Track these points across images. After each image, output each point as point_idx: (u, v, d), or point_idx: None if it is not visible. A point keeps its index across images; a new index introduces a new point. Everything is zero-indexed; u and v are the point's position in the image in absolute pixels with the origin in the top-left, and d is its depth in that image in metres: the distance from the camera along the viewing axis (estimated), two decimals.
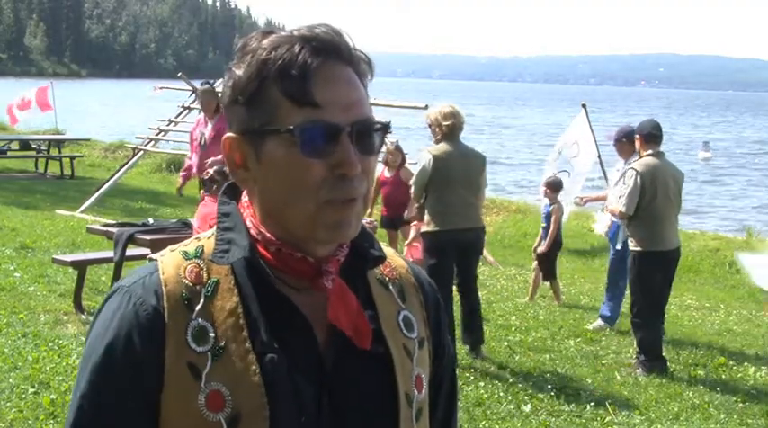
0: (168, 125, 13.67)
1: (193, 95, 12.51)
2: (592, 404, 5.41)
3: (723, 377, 6.23)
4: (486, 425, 4.96)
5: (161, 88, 15.84)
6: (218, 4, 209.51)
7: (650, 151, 6.34)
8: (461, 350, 6.17)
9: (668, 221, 6.34)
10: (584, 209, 14.67)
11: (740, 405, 5.55)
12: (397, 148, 8.92)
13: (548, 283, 8.52)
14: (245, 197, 1.20)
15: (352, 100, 1.11)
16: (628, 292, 6.71)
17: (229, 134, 1.15)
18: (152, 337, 1.10)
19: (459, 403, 4.22)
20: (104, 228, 7.46)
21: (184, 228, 6.99)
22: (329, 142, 1.09)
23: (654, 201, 6.21)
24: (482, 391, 5.49)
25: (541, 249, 8.28)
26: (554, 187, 8.44)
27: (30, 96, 18.80)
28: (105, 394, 1.11)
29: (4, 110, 19.54)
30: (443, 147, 6.07)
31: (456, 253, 6.12)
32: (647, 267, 6.25)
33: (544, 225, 8.42)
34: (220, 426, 1.09)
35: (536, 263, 8.45)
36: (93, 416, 1.12)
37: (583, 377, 5.97)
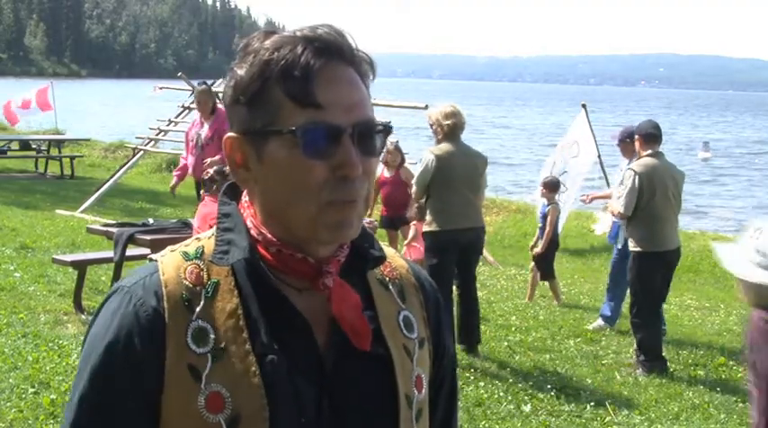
0: (168, 125, 13.67)
1: (193, 95, 12.51)
2: (592, 404, 5.41)
3: (723, 377, 6.23)
4: (486, 425, 4.96)
5: (161, 88, 15.84)
6: (218, 4, 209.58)
7: (649, 151, 6.34)
8: (459, 349, 6.17)
9: (668, 221, 6.34)
10: (585, 208, 14.68)
11: (740, 405, 5.55)
12: (397, 148, 8.92)
13: (547, 283, 8.52)
14: (245, 197, 1.20)
15: (354, 101, 1.11)
16: (628, 292, 6.71)
17: (231, 134, 1.15)
18: (152, 338, 1.10)
19: (459, 403, 4.22)
20: (104, 228, 7.46)
21: (184, 228, 6.99)
22: (331, 143, 1.08)
23: (652, 202, 6.21)
24: (482, 391, 5.49)
25: (537, 250, 8.29)
26: (551, 187, 8.44)
27: (30, 96, 18.80)
28: (105, 394, 1.11)
29: (4, 111, 19.51)
30: (445, 146, 6.08)
31: (456, 252, 6.13)
32: (646, 267, 6.25)
33: (541, 225, 8.43)
34: (220, 427, 1.09)
35: (533, 263, 8.46)
36: (93, 416, 1.12)
37: (583, 377, 5.97)
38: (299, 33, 1.11)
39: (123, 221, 7.94)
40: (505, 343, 6.68)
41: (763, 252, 2.83)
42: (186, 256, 1.17)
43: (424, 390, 1.25)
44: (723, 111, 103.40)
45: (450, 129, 6.11)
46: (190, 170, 8.92)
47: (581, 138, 10.88)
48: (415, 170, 9.14)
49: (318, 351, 1.15)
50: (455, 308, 6.31)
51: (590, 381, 5.89)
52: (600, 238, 12.20)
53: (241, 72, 1.12)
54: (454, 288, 6.32)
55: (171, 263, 1.16)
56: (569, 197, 10.75)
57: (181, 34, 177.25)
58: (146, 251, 6.59)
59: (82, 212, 11.86)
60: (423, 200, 6.39)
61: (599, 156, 11.12)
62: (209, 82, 10.55)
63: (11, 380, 5.03)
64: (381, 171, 8.97)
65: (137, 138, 16.17)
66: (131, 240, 6.79)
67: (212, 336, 1.11)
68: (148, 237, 6.74)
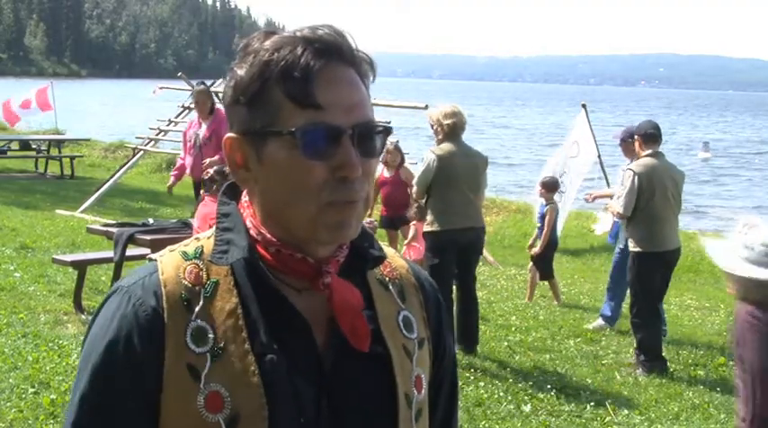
0: (168, 125, 13.66)
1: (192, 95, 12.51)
2: (592, 404, 5.41)
3: (723, 377, 6.22)
4: (486, 425, 4.96)
5: (161, 88, 15.83)
6: (218, 4, 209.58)
7: (649, 151, 6.34)
8: (458, 349, 6.17)
9: (667, 221, 6.33)
10: (585, 208, 14.67)
11: None
12: (396, 148, 8.92)
13: (547, 283, 8.52)
14: (245, 197, 1.20)
15: (354, 102, 1.11)
16: (628, 293, 6.71)
17: (230, 134, 1.15)
18: (151, 338, 1.10)
19: (460, 403, 4.23)
20: (104, 228, 7.46)
21: (184, 228, 6.99)
22: (331, 144, 1.08)
23: (651, 202, 6.21)
24: (482, 391, 5.49)
25: (535, 250, 8.29)
26: (549, 187, 8.44)
27: (30, 96, 18.79)
28: (105, 394, 1.11)
29: (3, 112, 19.50)
30: (447, 146, 6.10)
31: (457, 252, 6.14)
32: (646, 268, 6.25)
33: (539, 225, 8.43)
34: (219, 427, 1.09)
35: (531, 263, 8.47)
36: (93, 417, 1.12)
37: (583, 377, 5.97)
38: (299, 34, 1.11)
39: (123, 221, 7.94)
40: (505, 343, 6.68)
41: (751, 247, 2.89)
42: (185, 256, 1.17)
43: (423, 390, 1.25)
44: (723, 111, 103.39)
45: (451, 128, 6.12)
46: (188, 170, 8.92)
47: (581, 138, 10.88)
48: (415, 170, 9.16)
49: (317, 351, 1.15)
50: (454, 308, 6.31)
51: (590, 381, 5.89)
52: (600, 238, 12.19)
53: (241, 72, 1.12)
54: (454, 288, 6.32)
55: (170, 263, 1.16)
56: (568, 197, 10.76)
57: (181, 34, 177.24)
58: (146, 251, 6.59)
59: (82, 212, 11.86)
60: (423, 200, 6.40)
61: (599, 156, 11.13)
62: (209, 82, 10.55)
63: (11, 380, 5.03)
64: (381, 171, 8.97)
65: (137, 138, 16.17)
66: (131, 240, 6.79)
67: (211, 336, 1.11)
68: (148, 237, 6.74)
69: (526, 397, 5.45)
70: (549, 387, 5.66)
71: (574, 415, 5.23)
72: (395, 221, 8.80)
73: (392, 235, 8.99)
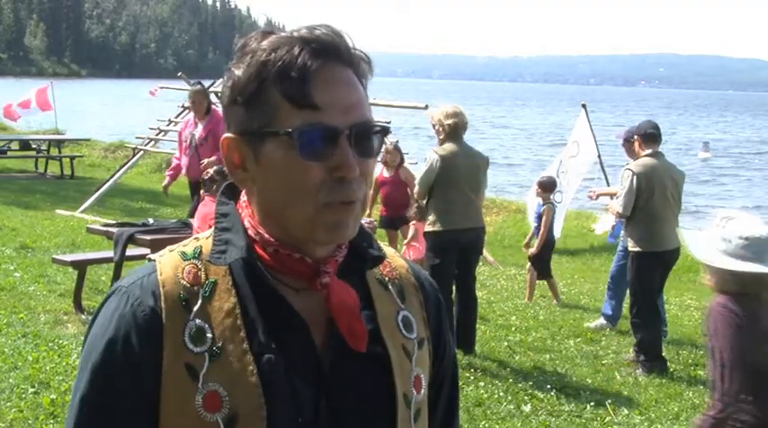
0: (168, 125, 13.67)
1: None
2: (592, 404, 5.41)
3: None
4: (486, 425, 4.96)
5: (160, 88, 15.84)
6: (218, 4, 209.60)
7: (649, 151, 6.34)
8: (457, 349, 6.18)
9: (666, 221, 6.33)
10: (585, 208, 14.66)
11: None
12: (396, 148, 8.92)
13: (546, 283, 8.53)
14: (243, 197, 1.20)
15: (352, 102, 1.11)
16: (628, 292, 6.71)
17: (228, 134, 1.15)
18: (150, 338, 1.11)
19: (460, 403, 4.22)
20: (104, 228, 7.46)
21: (184, 228, 6.99)
22: (328, 145, 1.08)
23: (651, 201, 6.21)
24: (482, 391, 5.49)
25: (532, 251, 8.31)
26: (545, 187, 8.43)
27: (30, 96, 18.80)
28: (105, 394, 1.11)
29: (3, 111, 19.51)
30: (449, 147, 6.11)
31: (457, 252, 6.15)
32: (646, 267, 6.25)
33: (536, 224, 8.44)
34: (218, 427, 1.09)
35: (529, 264, 8.48)
36: (93, 416, 1.12)
37: (583, 377, 5.97)
38: (296, 34, 1.11)
39: (123, 221, 7.93)
40: (505, 343, 6.68)
41: (728, 239, 2.98)
42: (184, 256, 1.17)
43: (422, 390, 1.24)
44: (723, 111, 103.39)
45: (452, 128, 6.13)
46: (183, 170, 8.91)
47: (581, 137, 10.89)
48: (415, 170, 9.16)
49: (316, 351, 1.15)
50: (454, 309, 6.31)
51: (590, 381, 5.89)
52: (600, 238, 12.19)
53: (238, 72, 1.12)
54: (453, 288, 6.33)
55: (169, 263, 1.16)
56: (567, 197, 10.76)
57: (181, 34, 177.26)
58: (146, 251, 6.59)
59: (82, 212, 11.86)
60: (424, 201, 6.41)
61: (599, 156, 11.13)
62: (209, 82, 10.55)
63: (11, 380, 5.03)
64: (381, 171, 8.97)
65: (137, 137, 16.17)
66: (131, 240, 6.79)
67: (209, 336, 1.11)
68: (148, 237, 6.74)
69: (526, 397, 5.45)
70: (549, 387, 5.66)
71: (574, 415, 5.22)
72: (395, 221, 8.80)
73: (392, 235, 8.99)
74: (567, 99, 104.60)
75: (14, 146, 17.72)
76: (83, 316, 6.48)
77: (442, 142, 6.20)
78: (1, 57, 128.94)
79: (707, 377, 6.15)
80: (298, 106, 1.08)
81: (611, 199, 7.42)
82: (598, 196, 8.62)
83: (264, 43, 1.11)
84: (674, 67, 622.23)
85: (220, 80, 11.17)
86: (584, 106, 11.20)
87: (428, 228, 6.26)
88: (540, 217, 8.32)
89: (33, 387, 4.95)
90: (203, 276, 1.15)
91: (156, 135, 14.07)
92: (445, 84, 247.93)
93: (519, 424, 5.00)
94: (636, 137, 6.47)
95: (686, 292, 9.47)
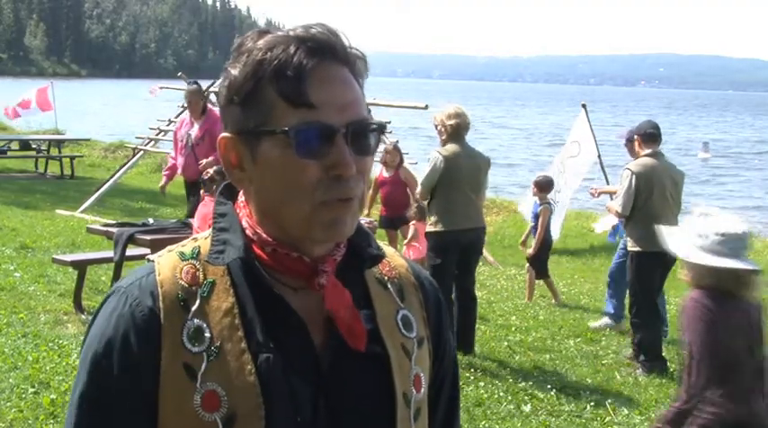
0: (168, 125, 13.65)
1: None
2: (592, 404, 5.41)
3: None
4: (486, 425, 4.96)
5: (160, 88, 15.84)
6: (218, 4, 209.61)
7: (648, 151, 6.34)
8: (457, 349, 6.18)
9: (665, 221, 6.29)
10: (585, 208, 14.66)
11: None
12: (396, 148, 8.93)
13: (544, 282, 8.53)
14: (241, 197, 1.20)
15: (348, 100, 1.11)
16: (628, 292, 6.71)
17: (225, 134, 1.15)
18: (148, 338, 1.11)
19: (460, 403, 4.22)
20: (104, 228, 7.46)
21: (184, 228, 6.99)
22: (324, 143, 1.08)
23: (650, 201, 6.21)
24: (482, 391, 5.49)
25: (529, 252, 8.31)
26: (541, 187, 8.43)
27: (30, 96, 18.80)
28: (104, 394, 1.12)
29: (2, 110, 19.51)
30: (452, 147, 6.13)
31: (458, 252, 6.16)
32: (645, 267, 6.24)
33: (533, 223, 8.45)
34: (216, 426, 1.09)
35: (528, 264, 8.49)
36: (92, 416, 1.12)
37: (583, 377, 5.97)
38: (292, 33, 1.11)
39: (123, 221, 7.94)
40: (505, 343, 6.68)
41: (705, 235, 3.07)
42: (182, 256, 1.17)
43: (422, 389, 1.24)
44: (723, 111, 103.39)
45: (454, 129, 6.15)
46: (179, 170, 8.91)
47: (581, 138, 10.89)
48: (415, 170, 9.17)
49: (315, 350, 1.14)
50: (454, 309, 6.31)
51: (590, 381, 5.89)
52: (600, 238, 12.20)
53: (235, 72, 1.12)
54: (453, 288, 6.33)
55: (167, 264, 1.16)
56: (565, 197, 10.76)
57: (181, 34, 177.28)
58: (146, 251, 6.59)
59: (82, 212, 11.87)
60: (425, 201, 6.43)
61: (599, 156, 11.13)
62: (208, 82, 10.54)
63: (11, 380, 5.03)
64: (380, 171, 8.98)
65: (137, 137, 16.17)
66: (131, 240, 6.79)
67: (208, 335, 1.11)
68: (148, 237, 6.74)
69: (526, 397, 5.45)
70: (549, 387, 5.66)
71: (574, 415, 5.22)
72: (394, 221, 8.81)
73: (392, 235, 8.99)
74: (567, 99, 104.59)
75: (14, 146, 17.73)
76: (83, 316, 6.48)
77: (444, 143, 6.22)
78: (1, 57, 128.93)
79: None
80: (294, 105, 1.08)
81: (612, 198, 7.43)
82: (599, 193, 8.62)
83: (260, 42, 1.11)
84: (674, 67, 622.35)
85: (220, 80, 11.18)
86: (584, 106, 11.20)
87: (430, 228, 6.28)
88: (536, 216, 8.32)
89: (33, 387, 4.95)
90: (201, 276, 1.15)
91: (156, 135, 14.07)
92: (445, 84, 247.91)
93: (519, 424, 5.00)
94: (636, 136, 6.47)
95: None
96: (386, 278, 1.26)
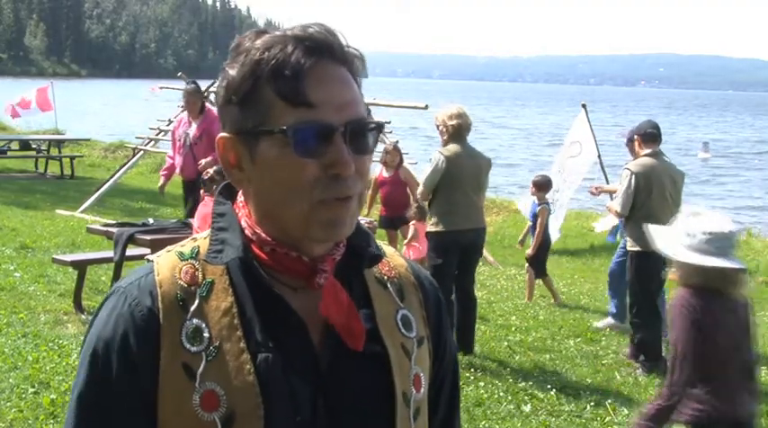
0: (168, 125, 13.65)
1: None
2: (592, 404, 5.41)
3: None
4: (486, 425, 4.96)
5: (160, 88, 15.84)
6: (218, 4, 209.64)
7: (648, 151, 6.34)
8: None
9: (665, 221, 6.28)
10: (585, 208, 14.66)
11: None
12: (396, 148, 8.92)
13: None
14: (240, 197, 1.20)
15: (346, 99, 1.11)
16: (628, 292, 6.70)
17: (223, 134, 1.15)
18: (147, 338, 1.11)
19: (460, 403, 4.21)
20: (104, 228, 7.46)
21: (184, 228, 6.99)
22: (322, 142, 1.08)
23: (649, 201, 6.21)
24: (482, 391, 5.49)
25: (528, 252, 8.32)
26: (539, 186, 8.43)
27: (30, 96, 18.80)
28: (103, 395, 1.12)
29: (3, 109, 19.50)
30: (454, 148, 6.14)
31: (458, 252, 6.16)
32: (645, 267, 6.23)
33: (531, 223, 8.45)
34: (215, 426, 1.09)
35: (527, 264, 8.49)
36: (92, 416, 1.12)
37: (583, 377, 5.97)
38: (289, 33, 1.11)
39: (123, 221, 7.94)
40: (505, 343, 6.68)
41: (693, 234, 3.09)
42: (181, 256, 1.17)
43: (422, 389, 1.24)
44: (723, 111, 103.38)
45: (456, 129, 6.16)
46: (177, 169, 8.91)
47: (582, 138, 10.89)
48: (415, 170, 9.17)
49: (314, 350, 1.14)
50: (454, 309, 6.31)
51: (590, 381, 5.89)
52: (600, 238, 12.20)
53: (232, 72, 1.12)
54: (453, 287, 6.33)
55: (166, 264, 1.17)
56: (565, 196, 10.76)
57: (181, 34, 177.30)
58: (146, 251, 6.59)
59: (82, 212, 11.86)
60: (426, 201, 6.43)
61: (599, 156, 11.13)
62: (208, 82, 10.54)
63: (11, 380, 5.03)
64: (380, 171, 8.98)
65: (137, 137, 16.17)
66: (131, 240, 6.79)
67: (206, 335, 1.11)
68: (148, 237, 6.74)
69: (526, 397, 5.45)
70: (549, 387, 5.66)
71: (574, 415, 5.22)
72: (394, 221, 8.80)
73: (392, 235, 8.99)
74: (567, 99, 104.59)
75: (14, 146, 17.72)
76: (83, 316, 6.48)
77: (445, 143, 6.23)
78: (1, 57, 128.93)
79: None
80: (292, 104, 1.08)
81: (612, 197, 7.43)
82: (600, 192, 8.61)
83: (258, 42, 1.11)
84: (674, 67, 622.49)
85: (218, 80, 11.16)
86: (584, 106, 11.20)
87: (430, 229, 6.28)
88: (535, 216, 8.33)
89: (33, 387, 4.95)
90: (200, 276, 1.15)
91: (156, 135, 14.06)
92: (445, 84, 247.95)
93: (519, 424, 5.00)
94: (636, 136, 6.47)
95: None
96: (385, 277, 1.26)
